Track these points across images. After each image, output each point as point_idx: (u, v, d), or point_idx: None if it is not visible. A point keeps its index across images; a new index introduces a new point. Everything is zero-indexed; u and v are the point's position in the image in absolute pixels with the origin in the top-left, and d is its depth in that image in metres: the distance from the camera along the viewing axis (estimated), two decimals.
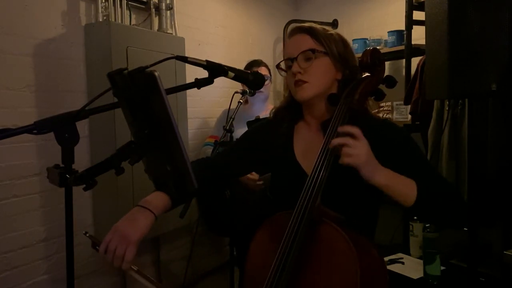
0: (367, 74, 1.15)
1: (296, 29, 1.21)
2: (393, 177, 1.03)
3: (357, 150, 0.98)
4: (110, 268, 1.01)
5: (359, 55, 1.19)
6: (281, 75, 1.25)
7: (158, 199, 1.12)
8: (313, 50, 1.15)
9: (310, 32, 1.18)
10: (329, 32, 1.19)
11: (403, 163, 1.11)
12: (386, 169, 1.03)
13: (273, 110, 1.33)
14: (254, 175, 2.27)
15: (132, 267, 1.02)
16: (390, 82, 1.17)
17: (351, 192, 1.08)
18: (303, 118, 1.26)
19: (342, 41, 1.20)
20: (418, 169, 1.10)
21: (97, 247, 1.03)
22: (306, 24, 1.21)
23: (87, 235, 1.06)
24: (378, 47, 3.19)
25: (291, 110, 1.26)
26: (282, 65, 1.23)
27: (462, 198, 1.10)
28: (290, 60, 1.18)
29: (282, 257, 0.98)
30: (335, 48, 1.17)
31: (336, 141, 1.00)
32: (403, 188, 1.04)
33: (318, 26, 1.20)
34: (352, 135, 1.00)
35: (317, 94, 1.16)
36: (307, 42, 1.16)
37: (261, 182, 2.27)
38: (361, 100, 1.12)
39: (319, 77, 1.15)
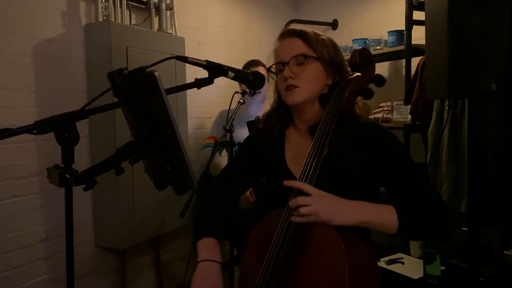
0: (357, 74, 1.15)
1: (287, 32, 1.20)
2: (367, 212, 1.00)
3: (315, 206, 0.97)
4: None
5: None
6: (272, 78, 1.25)
7: (212, 246, 1.18)
8: (305, 56, 1.14)
9: (302, 36, 1.17)
10: (321, 37, 1.18)
11: (388, 168, 1.11)
12: (357, 204, 1.01)
13: (264, 115, 1.33)
14: (252, 197, 2.30)
15: None
16: (380, 81, 1.17)
17: (343, 193, 1.08)
18: (293, 123, 1.26)
19: (333, 47, 1.19)
20: (403, 176, 1.10)
21: None
22: (298, 28, 1.20)
23: None
24: (378, 47, 3.21)
25: (281, 114, 1.26)
26: (273, 68, 1.22)
27: (447, 210, 1.08)
28: (281, 64, 1.18)
29: (273, 254, 1.00)
30: (326, 53, 1.16)
31: (292, 204, 0.99)
32: (382, 221, 1.01)
33: (310, 30, 1.19)
34: (303, 193, 0.99)
35: (308, 99, 1.16)
36: (299, 47, 1.16)
37: (253, 200, 2.29)
38: (350, 99, 1.12)
39: (310, 82, 1.15)
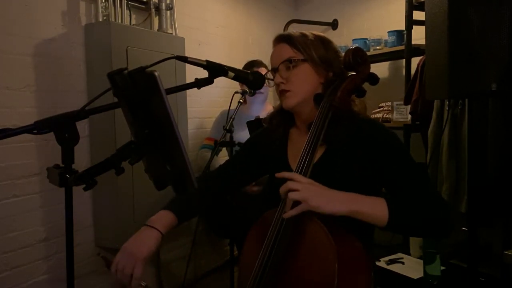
0: (351, 73, 1.16)
1: (277, 39, 1.23)
2: (356, 202, 1.00)
3: (305, 192, 0.97)
4: (120, 286, 1.07)
5: None
6: (269, 86, 1.27)
7: (164, 218, 1.18)
8: (290, 60, 1.16)
9: (288, 40, 1.19)
10: (308, 38, 1.19)
11: (387, 166, 1.12)
12: (347, 194, 1.01)
13: (269, 115, 1.34)
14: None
15: (141, 283, 1.07)
16: (373, 79, 1.18)
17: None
18: (295, 123, 1.28)
19: (322, 44, 1.19)
20: (402, 175, 1.10)
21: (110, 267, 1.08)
22: (285, 32, 1.22)
23: (101, 255, 1.09)
24: (378, 47, 3.22)
25: (284, 115, 1.28)
26: (269, 75, 1.25)
27: (446, 208, 1.07)
28: (273, 71, 1.21)
29: (267, 251, 1.02)
30: (314, 53, 1.17)
31: (282, 189, 1.00)
32: (372, 211, 1.00)
33: (297, 33, 1.20)
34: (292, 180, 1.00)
35: (302, 101, 1.18)
36: (286, 51, 1.18)
37: (256, 188, 2.29)
38: (344, 98, 1.13)
39: (301, 84, 1.17)
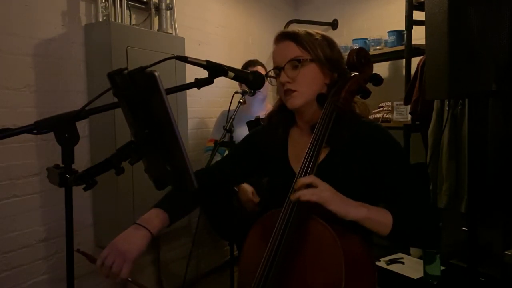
0: (354, 73, 1.15)
1: (281, 36, 1.20)
2: (368, 209, 1.02)
3: (321, 191, 0.98)
4: (105, 278, 1.06)
5: None
6: (271, 84, 1.25)
7: (155, 218, 1.16)
8: (298, 60, 1.14)
9: (295, 39, 1.16)
10: (315, 37, 1.17)
11: (382, 167, 1.12)
12: (358, 203, 1.02)
13: (268, 114, 1.33)
14: (255, 198, 2.30)
15: (128, 278, 1.06)
16: (377, 80, 1.18)
17: (343, 192, 1.08)
18: (296, 123, 1.27)
19: (328, 44, 1.18)
20: (397, 181, 1.10)
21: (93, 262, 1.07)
22: (290, 30, 1.19)
23: (80, 251, 1.09)
24: (378, 47, 3.22)
25: (284, 115, 1.26)
26: (271, 73, 1.23)
27: (436, 219, 1.10)
28: (278, 69, 1.19)
29: (271, 252, 1.00)
30: (321, 53, 1.15)
31: (301, 181, 0.99)
32: (380, 219, 1.02)
33: (302, 31, 1.18)
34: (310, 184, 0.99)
35: (307, 101, 1.16)
36: (293, 50, 1.16)
37: (257, 201, 2.30)
38: (348, 98, 1.12)
39: (308, 84, 1.15)
